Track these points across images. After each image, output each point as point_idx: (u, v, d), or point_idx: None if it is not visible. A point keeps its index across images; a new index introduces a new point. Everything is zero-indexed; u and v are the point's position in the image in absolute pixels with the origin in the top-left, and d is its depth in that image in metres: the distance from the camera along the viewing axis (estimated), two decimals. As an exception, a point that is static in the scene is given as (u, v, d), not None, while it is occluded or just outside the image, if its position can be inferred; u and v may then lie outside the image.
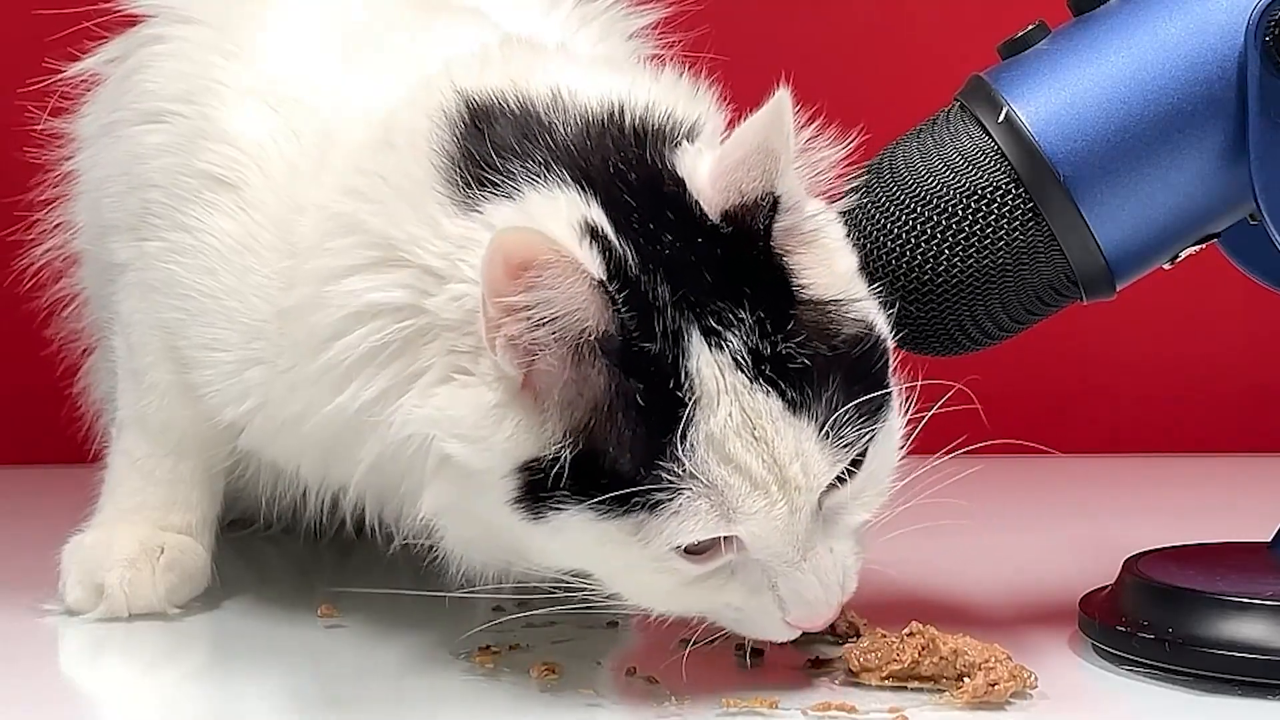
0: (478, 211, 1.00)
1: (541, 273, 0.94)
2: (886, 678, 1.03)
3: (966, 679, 1.01)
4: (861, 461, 0.99)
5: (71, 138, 1.30)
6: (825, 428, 0.97)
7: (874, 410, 0.99)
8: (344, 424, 1.05)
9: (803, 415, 0.97)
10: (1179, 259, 1.11)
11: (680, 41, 1.25)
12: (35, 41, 1.26)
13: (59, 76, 1.28)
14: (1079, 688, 1.06)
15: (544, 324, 0.95)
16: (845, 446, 0.98)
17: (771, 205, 0.98)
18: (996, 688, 1.01)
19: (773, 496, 0.97)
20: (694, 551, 0.98)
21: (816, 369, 0.97)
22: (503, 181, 1.01)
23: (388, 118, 1.07)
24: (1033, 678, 1.02)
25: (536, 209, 0.99)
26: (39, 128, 1.30)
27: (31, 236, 1.34)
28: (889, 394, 1.01)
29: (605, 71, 1.08)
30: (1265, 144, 1.05)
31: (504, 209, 1.00)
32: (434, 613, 1.16)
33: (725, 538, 0.98)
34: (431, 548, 1.07)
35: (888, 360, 1.02)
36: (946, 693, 1.02)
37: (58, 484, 1.36)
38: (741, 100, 1.07)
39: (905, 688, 1.03)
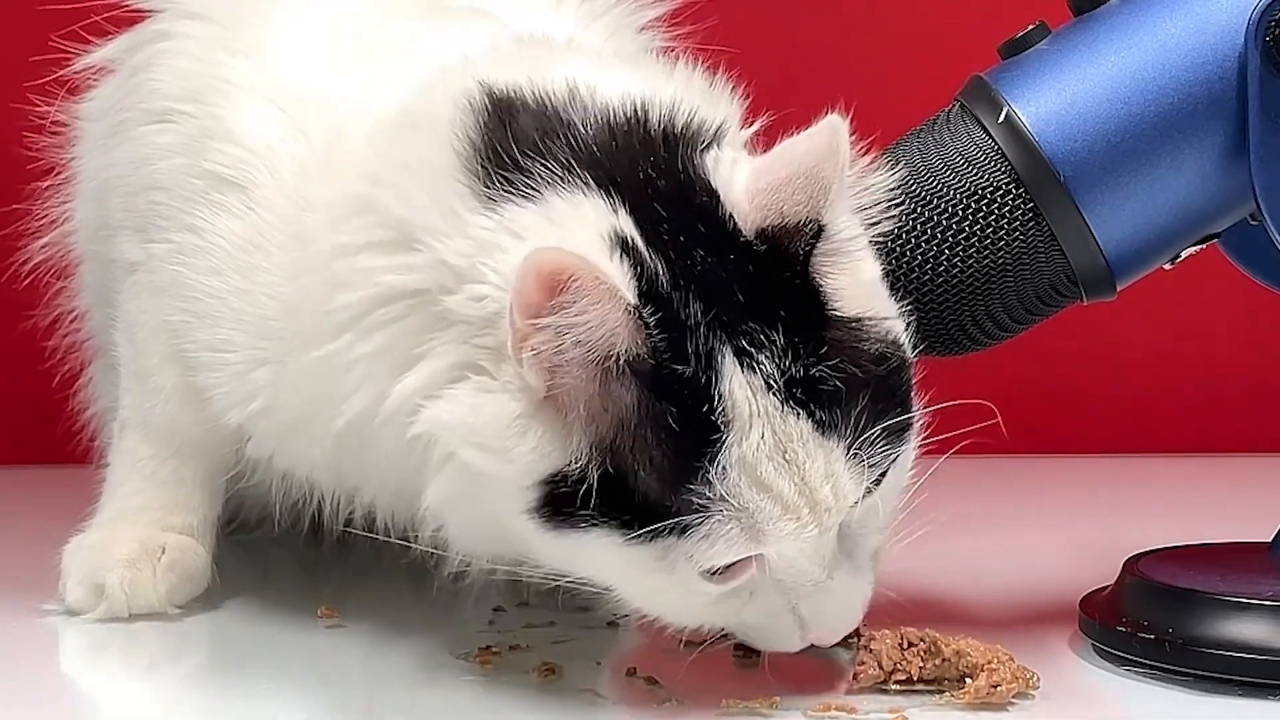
0: (497, 212, 0.98)
1: (576, 296, 0.92)
2: (889, 681, 1.03)
3: (969, 680, 1.01)
4: (881, 480, 0.98)
5: (73, 123, 1.29)
6: (853, 448, 0.96)
7: (900, 430, 0.98)
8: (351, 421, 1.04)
9: (831, 436, 0.96)
10: (1179, 259, 1.11)
11: (690, 33, 1.24)
12: (39, 38, 1.26)
13: (65, 70, 1.27)
14: (1080, 688, 1.06)
15: (575, 344, 0.94)
16: (871, 466, 0.97)
17: (815, 233, 0.97)
18: (999, 689, 1.00)
19: (803, 519, 0.95)
20: (718, 571, 0.96)
21: (847, 389, 0.96)
22: (523, 181, 0.98)
23: (408, 105, 1.06)
24: (1035, 678, 1.02)
25: (562, 216, 0.97)
26: (44, 122, 1.30)
27: (32, 232, 1.34)
28: (913, 415, 0.99)
29: (621, 67, 1.06)
30: (1265, 144, 1.05)
31: (526, 212, 0.98)
32: (434, 614, 1.16)
33: (749, 556, 0.96)
34: (435, 554, 1.07)
35: (912, 380, 1.00)
36: (948, 694, 1.02)
37: (58, 484, 1.36)
38: (745, 94, 1.07)
39: (907, 689, 1.03)
